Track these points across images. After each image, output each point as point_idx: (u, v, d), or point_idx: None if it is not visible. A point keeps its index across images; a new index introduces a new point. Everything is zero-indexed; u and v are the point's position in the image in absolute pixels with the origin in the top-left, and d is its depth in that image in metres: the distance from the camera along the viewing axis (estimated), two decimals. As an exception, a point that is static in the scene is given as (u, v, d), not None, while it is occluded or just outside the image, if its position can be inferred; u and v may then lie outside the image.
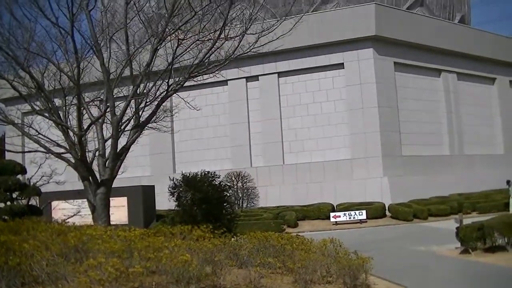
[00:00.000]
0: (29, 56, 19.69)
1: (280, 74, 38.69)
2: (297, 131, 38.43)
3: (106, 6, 21.33)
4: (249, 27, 17.95)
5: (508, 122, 46.31)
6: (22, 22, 20.34)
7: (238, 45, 17.88)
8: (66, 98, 20.73)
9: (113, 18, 21.50)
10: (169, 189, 23.68)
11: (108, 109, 18.97)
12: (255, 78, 38.84)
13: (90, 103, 21.94)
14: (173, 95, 19.82)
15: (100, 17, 22.31)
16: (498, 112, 46.26)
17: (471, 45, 42.98)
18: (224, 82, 37.34)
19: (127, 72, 19.64)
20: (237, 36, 17.98)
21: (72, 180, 34.23)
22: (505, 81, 47.14)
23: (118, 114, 18.83)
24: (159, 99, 19.06)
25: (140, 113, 19.38)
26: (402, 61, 38.62)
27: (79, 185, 20.90)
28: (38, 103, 20.55)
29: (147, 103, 19.37)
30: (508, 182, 32.48)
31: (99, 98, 22.78)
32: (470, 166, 41.57)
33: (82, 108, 19.35)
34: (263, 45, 17.73)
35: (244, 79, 38.34)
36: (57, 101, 20.76)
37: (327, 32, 36.70)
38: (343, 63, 37.25)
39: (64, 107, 20.52)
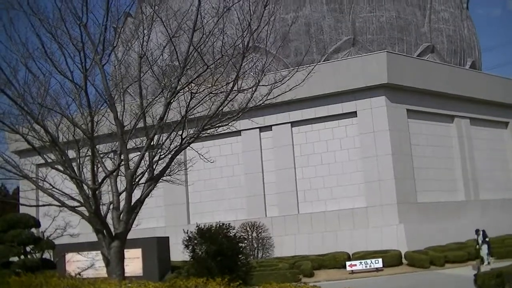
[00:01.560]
0: (44, 110, 19.85)
1: (293, 123, 38.75)
2: (311, 180, 38.30)
3: (120, 59, 21.53)
4: (262, 79, 18.05)
5: (523, 166, 46.09)
6: (37, 76, 20.60)
7: (251, 97, 17.96)
8: (80, 150, 20.84)
9: (126, 71, 21.71)
10: (184, 241, 23.57)
11: (122, 163, 19.00)
12: (268, 128, 38.91)
13: (104, 156, 22.00)
14: (187, 147, 19.85)
15: (114, 70, 22.53)
16: (512, 156, 46.06)
17: (483, 90, 43.03)
18: (237, 133, 37.42)
19: (141, 124, 19.73)
20: (250, 88, 18.08)
21: (86, 231, 34.15)
22: (518, 125, 47.04)
23: (132, 167, 18.86)
24: (173, 153, 19.08)
25: (154, 166, 19.38)
26: (415, 108, 38.64)
27: (93, 237, 20.84)
28: (52, 156, 20.65)
29: (161, 156, 19.40)
30: (476, 231, 32.46)
31: (113, 150, 22.87)
32: (485, 211, 41.23)
33: (96, 161, 19.41)
34: (276, 96, 17.82)
35: (258, 129, 38.40)
36: (71, 153, 20.84)
37: (340, 81, 36.86)
38: (356, 112, 37.30)
39: (78, 160, 20.59)
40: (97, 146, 20.09)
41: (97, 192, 18.42)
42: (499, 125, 45.88)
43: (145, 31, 19.97)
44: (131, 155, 19.68)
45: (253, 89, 18.09)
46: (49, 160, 20.48)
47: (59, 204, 19.61)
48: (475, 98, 42.53)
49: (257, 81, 18.10)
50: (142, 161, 19.25)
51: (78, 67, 19.30)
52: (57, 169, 19.81)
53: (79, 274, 19.41)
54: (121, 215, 18.70)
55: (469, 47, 50.30)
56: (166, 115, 18.81)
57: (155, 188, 19.74)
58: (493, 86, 44.22)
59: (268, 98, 18.05)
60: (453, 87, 40.63)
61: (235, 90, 17.89)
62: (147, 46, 19.75)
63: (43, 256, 30.82)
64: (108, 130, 21.96)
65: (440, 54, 46.36)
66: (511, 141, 46.32)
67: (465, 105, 42.13)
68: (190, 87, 18.20)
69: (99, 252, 19.85)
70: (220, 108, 18.34)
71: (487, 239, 32.11)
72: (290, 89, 17.80)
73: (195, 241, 23.34)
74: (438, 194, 39.01)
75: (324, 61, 39.61)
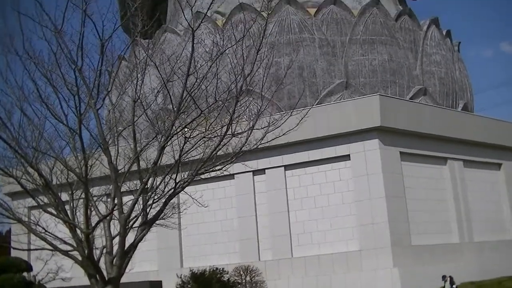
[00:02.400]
0: (38, 154, 19.89)
1: (287, 167, 38.73)
2: (305, 224, 38.19)
3: (114, 103, 21.64)
4: (256, 123, 18.17)
5: (517, 207, 46.12)
6: (32, 120, 20.68)
7: (245, 142, 18.04)
8: (74, 193, 20.82)
9: (120, 115, 21.81)
10: (177, 286, 23.45)
11: (115, 207, 18.97)
12: (261, 171, 38.90)
13: (98, 200, 21.97)
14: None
15: (108, 114, 22.63)
16: (506, 197, 46.06)
17: (476, 132, 43.23)
18: (231, 176, 37.42)
19: (134, 167, 19.75)
20: (244, 131, 18.17)
21: (79, 275, 33.90)
22: (511, 166, 47.15)
23: (125, 211, 18.84)
24: (166, 197, 19.08)
25: (148, 210, 19.36)
26: (408, 151, 38.72)
27: (86, 281, 20.69)
28: (45, 199, 20.61)
29: (154, 200, 19.39)
30: (443, 277, 32.36)
31: (107, 193, 22.84)
32: (480, 253, 41.11)
33: (89, 205, 19.37)
34: (270, 140, 17.91)
35: (251, 173, 38.36)
36: (64, 196, 20.82)
37: (333, 124, 37.01)
38: (349, 155, 37.35)
39: (71, 203, 20.56)
40: (90, 189, 20.08)
41: (90, 236, 18.36)
42: (492, 166, 46.01)
43: (139, 75, 20.12)
44: (124, 199, 19.67)
45: (248, 133, 18.18)
46: (42, 203, 20.42)
47: (52, 248, 19.52)
48: (468, 140, 42.72)
49: (251, 126, 18.21)
50: (136, 205, 19.23)
51: (73, 111, 19.41)
52: (50, 213, 19.75)
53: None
54: (114, 260, 18.60)
55: (461, 89, 50.74)
56: (160, 160, 18.86)
57: (148, 232, 19.70)
58: (485, 127, 44.46)
59: (262, 142, 18.14)
60: (446, 130, 40.82)
61: (229, 135, 17.98)
62: (141, 90, 19.89)
63: (35, 301, 30.51)
64: (101, 173, 21.96)
65: (433, 97, 46.71)
66: (504, 183, 46.40)
67: (458, 147, 42.29)
68: (183, 131, 18.28)
69: (92, 296, 19.71)
70: (213, 153, 18.40)
71: (454, 286, 32.03)
72: (283, 134, 17.91)
73: (189, 286, 23.23)
74: (432, 237, 38.92)
75: (317, 104, 39.83)
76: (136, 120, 19.78)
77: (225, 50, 18.46)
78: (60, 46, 19.34)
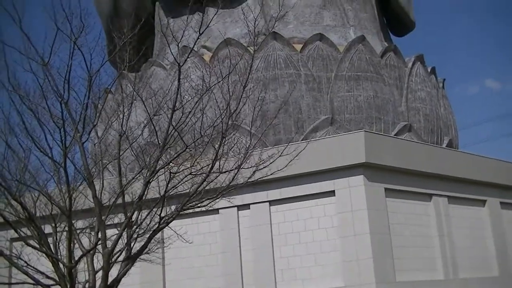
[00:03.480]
0: (22, 187, 19.83)
1: (272, 202, 38.65)
2: (289, 259, 38.00)
3: (100, 137, 21.66)
4: (244, 162, 18.24)
5: (501, 243, 46.13)
6: (17, 152, 20.64)
7: (232, 180, 18.09)
8: (57, 226, 20.72)
9: (106, 149, 21.81)
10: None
11: (99, 241, 18.88)
12: (246, 206, 38.80)
13: (81, 233, 21.86)
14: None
15: (93, 148, 22.62)
16: (490, 233, 46.12)
17: (460, 168, 43.41)
18: (215, 211, 37.28)
19: (119, 200, 19.70)
20: (231, 170, 18.24)
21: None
22: (495, 203, 47.34)
23: (109, 245, 18.75)
24: (151, 232, 19.04)
25: (132, 244, 19.28)
26: (393, 187, 38.78)
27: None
28: (27, 231, 20.50)
29: (139, 235, 19.33)
30: None
31: (91, 226, 22.75)
32: (465, 291, 41.06)
33: (73, 239, 19.27)
34: (257, 179, 17.96)
35: (236, 208, 38.28)
36: (47, 229, 20.69)
37: (318, 160, 37.05)
38: (334, 191, 37.35)
39: (54, 236, 20.44)
40: (74, 222, 20.01)
41: (73, 270, 18.24)
42: (477, 203, 46.15)
43: (125, 109, 20.18)
44: (108, 232, 19.59)
45: (234, 172, 18.25)
46: (25, 236, 20.30)
47: (34, 282, 19.35)
48: (453, 176, 42.88)
49: (239, 165, 18.28)
50: (120, 239, 19.16)
51: (58, 144, 19.41)
52: (32, 246, 19.63)
53: None
54: (97, 295, 18.47)
55: (446, 126, 51.10)
56: (145, 195, 18.85)
57: (132, 266, 19.59)
58: (470, 164, 44.70)
59: (248, 181, 18.20)
60: (431, 166, 41.00)
61: (215, 172, 18.04)
62: (127, 124, 19.93)
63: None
64: (85, 206, 21.88)
65: (418, 133, 46.99)
66: (489, 219, 46.51)
67: (443, 183, 42.44)
68: (169, 166, 18.31)
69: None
70: (199, 189, 18.42)
71: None
72: (271, 173, 17.95)
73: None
74: (417, 273, 38.83)
75: (302, 140, 39.92)
76: (122, 154, 19.79)
77: (212, 87, 18.59)
78: (48, 78, 19.40)
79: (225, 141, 18.33)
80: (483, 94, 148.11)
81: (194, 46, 18.93)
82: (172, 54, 19.29)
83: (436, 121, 49.46)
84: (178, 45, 18.07)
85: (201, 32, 17.56)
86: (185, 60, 18.27)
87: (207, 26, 18.41)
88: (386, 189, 38.67)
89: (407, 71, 48.59)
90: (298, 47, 44.27)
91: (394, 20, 55.45)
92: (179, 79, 17.51)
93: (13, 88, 19.56)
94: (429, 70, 51.71)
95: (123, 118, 19.60)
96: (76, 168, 20.05)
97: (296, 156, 18.98)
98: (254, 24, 19.09)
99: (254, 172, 18.58)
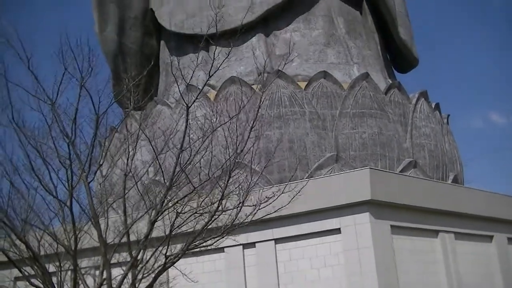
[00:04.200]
0: (26, 226, 19.79)
1: (277, 240, 38.44)
2: (295, 298, 37.73)
3: (105, 176, 21.67)
4: (246, 199, 18.22)
5: (509, 279, 45.72)
6: (21, 191, 20.65)
7: (235, 217, 18.07)
8: (62, 265, 20.63)
9: (111, 188, 21.82)
10: None
11: (104, 281, 18.79)
12: (252, 245, 38.61)
13: (86, 272, 21.77)
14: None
15: (98, 188, 22.61)
16: (498, 269, 45.76)
17: (466, 204, 43.24)
18: (220, 250, 37.02)
19: (124, 239, 19.64)
20: (235, 207, 18.21)
21: None
22: (503, 238, 47.06)
23: (114, 285, 18.64)
24: (156, 271, 18.95)
25: (137, 285, 19.18)
26: (399, 224, 38.57)
27: None
28: (31, 270, 20.42)
29: (144, 275, 19.23)
30: None
31: (96, 266, 22.66)
32: (473, 328, 40.62)
33: (77, 279, 19.18)
34: (261, 217, 17.93)
35: (241, 246, 38.11)
36: (52, 268, 20.61)
37: (323, 198, 36.95)
38: (339, 228, 37.18)
39: (59, 275, 20.35)
40: (78, 261, 19.93)
41: (78, 311, 18.13)
42: (484, 239, 45.88)
43: (130, 148, 20.22)
44: (113, 272, 19.49)
45: (238, 209, 18.23)
46: (28, 275, 20.22)
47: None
48: (459, 212, 42.70)
49: (242, 201, 18.27)
50: (125, 278, 19.06)
51: (63, 183, 19.42)
52: (36, 286, 19.53)
53: None
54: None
55: (451, 162, 51.03)
56: (150, 234, 18.80)
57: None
58: (476, 199, 44.55)
59: (253, 219, 18.16)
60: (437, 202, 40.85)
61: (219, 211, 18.01)
62: (132, 163, 19.96)
63: None
64: (90, 245, 21.79)
65: (423, 169, 46.91)
66: (496, 255, 46.19)
67: (449, 219, 42.22)
68: (175, 206, 18.30)
69: None
70: (204, 228, 18.38)
71: None
72: (275, 211, 17.93)
73: None
74: (424, 311, 38.48)
75: (307, 178, 39.85)
76: (127, 193, 19.79)
77: (217, 128, 18.66)
78: (56, 118, 19.47)
79: (230, 180, 18.34)
80: (487, 127, 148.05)
81: (202, 88, 19.04)
82: (181, 94, 19.41)
83: (441, 157, 49.41)
84: (186, 85, 18.19)
85: (210, 75, 17.72)
86: (193, 102, 18.32)
87: (217, 69, 18.52)
88: (392, 226, 38.44)
89: (411, 108, 48.70)
90: (303, 84, 44.45)
91: (397, 57, 55.75)
92: (187, 119, 17.59)
93: (18, 127, 19.65)
94: (433, 106, 51.82)
95: (128, 157, 19.65)
96: (82, 208, 20.06)
97: (298, 193, 18.95)
98: (265, 64, 19.18)
99: (256, 210, 18.56)
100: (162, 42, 53.64)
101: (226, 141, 17.97)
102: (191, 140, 18.70)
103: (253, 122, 18.14)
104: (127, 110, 20.31)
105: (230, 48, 21.38)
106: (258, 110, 17.99)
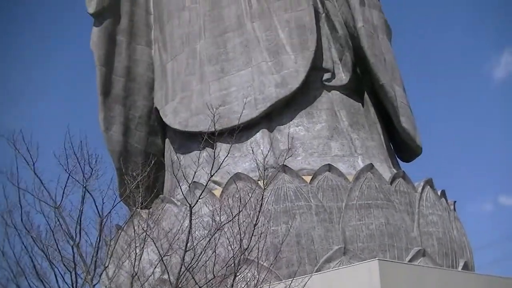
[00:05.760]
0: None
1: None
2: None
3: (111, 277, 21.56)
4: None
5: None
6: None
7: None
8: None
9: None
10: None
11: None
12: None
13: None
14: None
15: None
16: None
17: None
18: None
19: None
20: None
21: None
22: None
23: None
24: None
25: None
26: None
27: None
28: None
29: None
30: None
31: None
32: None
33: None
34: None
35: None
36: None
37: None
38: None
39: None
40: None
41: None
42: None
43: (137, 249, 20.20)
44: None
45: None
46: None
47: None
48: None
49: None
50: None
51: (69, 286, 19.33)
52: None
53: None
54: None
55: (460, 248, 50.54)
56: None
57: None
58: (487, 286, 43.93)
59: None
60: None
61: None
62: (139, 264, 19.92)
63: None
64: None
65: (432, 257, 46.45)
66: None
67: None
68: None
69: None
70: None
71: None
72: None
73: None
74: None
75: (316, 271, 39.49)
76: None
77: (223, 225, 18.70)
78: (59, 221, 19.58)
79: (239, 277, 18.25)
80: (497, 212, 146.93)
81: (205, 187, 19.16)
82: (184, 195, 19.49)
83: (449, 244, 48.95)
84: (189, 185, 18.33)
85: (212, 174, 17.89)
86: (196, 202, 18.44)
87: (219, 167, 18.73)
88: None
89: (417, 196, 48.62)
90: (308, 178, 44.61)
91: (401, 146, 56.05)
92: (190, 220, 17.66)
93: (26, 229, 19.73)
94: (439, 194, 51.74)
95: (135, 258, 19.61)
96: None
97: (305, 285, 18.76)
98: (266, 159, 19.39)
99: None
100: (166, 140, 54.20)
101: (232, 239, 17.97)
102: (197, 239, 18.68)
103: (257, 219, 18.19)
104: (133, 208, 20.41)
105: (234, 145, 21.64)
106: (260, 206, 18.07)
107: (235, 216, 17.78)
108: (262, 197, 18.79)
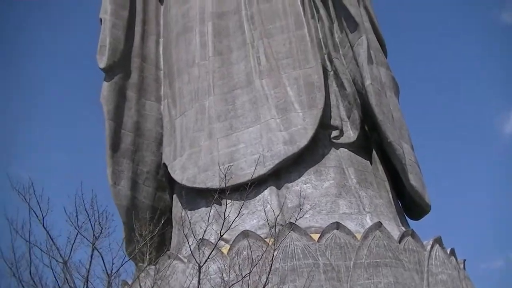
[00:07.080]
0: None
1: None
2: None
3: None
4: None
5: None
6: None
7: None
8: None
9: None
10: None
11: None
12: None
13: None
14: None
15: None
16: None
17: None
18: None
19: None
20: None
21: None
22: None
23: None
24: None
25: None
26: None
27: None
28: None
29: None
30: None
31: None
32: None
33: None
34: None
35: None
36: None
37: None
38: None
39: None
40: None
41: None
42: None
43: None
44: None
45: None
46: None
47: None
48: None
49: None
50: None
51: None
52: None
53: None
54: None
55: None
56: None
57: None
58: None
59: None
60: None
61: None
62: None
63: None
64: None
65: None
66: None
67: None
68: None
69: None
70: None
71: None
72: None
73: None
74: None
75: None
76: None
77: (233, 285, 18.53)
78: (65, 277, 19.46)
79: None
80: (509, 267, 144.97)
81: (214, 247, 19.04)
82: (192, 253, 19.34)
83: (460, 303, 48.38)
84: (197, 244, 18.20)
85: (222, 234, 17.79)
86: (205, 261, 18.25)
87: (229, 227, 18.65)
88: None
89: (426, 255, 48.21)
90: (316, 236, 44.35)
91: (410, 204, 55.84)
92: (199, 280, 17.45)
93: (35, 284, 19.61)
94: (448, 252, 51.34)
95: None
96: None
97: None
98: (276, 217, 19.26)
99: None
100: (174, 196, 54.13)
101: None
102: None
103: (266, 279, 18.01)
104: (140, 265, 20.28)
105: (242, 202, 21.59)
106: (270, 267, 17.89)
107: (244, 276, 17.62)
108: (273, 257, 18.63)
